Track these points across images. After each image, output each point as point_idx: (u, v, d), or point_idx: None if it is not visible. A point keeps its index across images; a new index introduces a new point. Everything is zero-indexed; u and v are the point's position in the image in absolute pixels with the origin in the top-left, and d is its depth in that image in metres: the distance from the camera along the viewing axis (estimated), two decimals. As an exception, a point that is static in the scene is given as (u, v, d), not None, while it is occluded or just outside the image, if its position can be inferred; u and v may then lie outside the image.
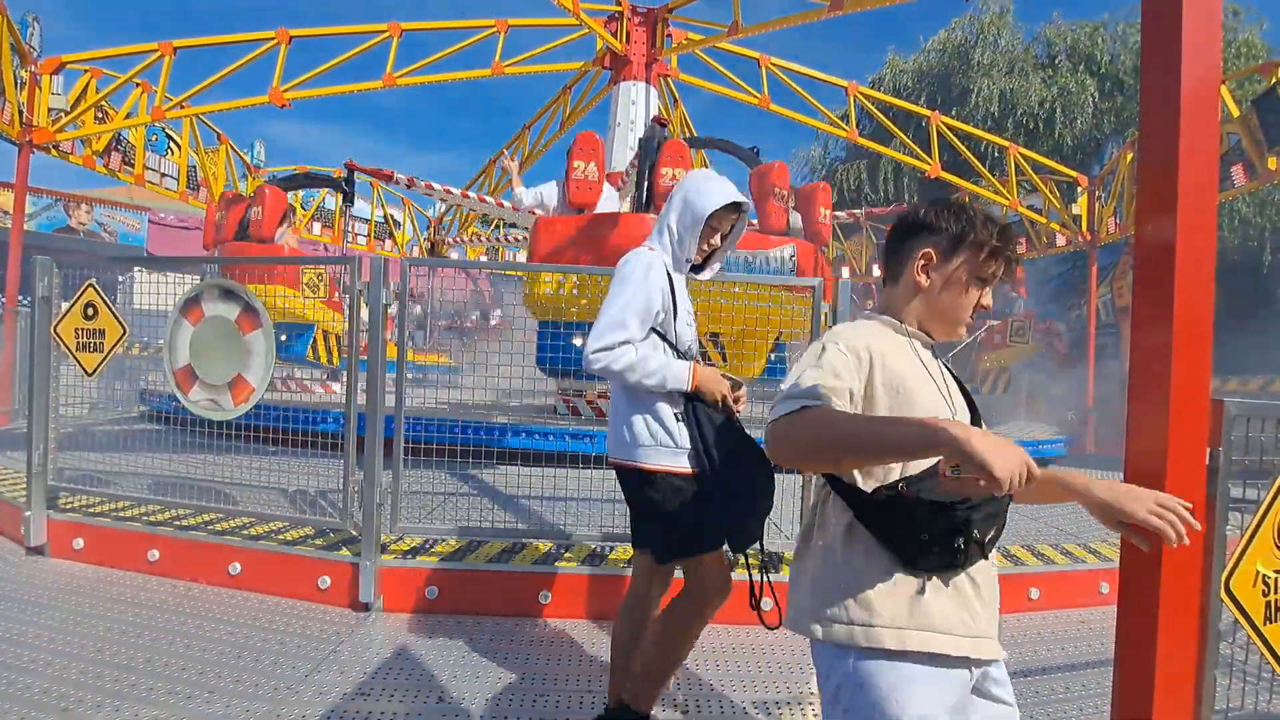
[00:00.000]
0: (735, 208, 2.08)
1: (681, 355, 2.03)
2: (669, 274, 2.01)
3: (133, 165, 9.76)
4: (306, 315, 7.72)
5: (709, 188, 2.04)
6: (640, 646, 2.06)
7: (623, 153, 10.54)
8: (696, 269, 2.19)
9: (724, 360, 6.58)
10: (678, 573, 2.13)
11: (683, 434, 1.95)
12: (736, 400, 1.99)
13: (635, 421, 1.98)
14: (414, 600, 3.10)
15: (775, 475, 1.97)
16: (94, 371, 3.67)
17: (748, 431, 2.04)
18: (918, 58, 21.63)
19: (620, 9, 10.08)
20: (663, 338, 2.01)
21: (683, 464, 1.94)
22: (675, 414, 1.95)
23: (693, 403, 1.96)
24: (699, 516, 1.94)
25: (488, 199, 9.84)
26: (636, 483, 2.00)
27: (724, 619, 3.10)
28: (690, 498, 1.94)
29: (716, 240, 2.11)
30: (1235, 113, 7.50)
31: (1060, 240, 11.02)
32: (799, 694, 2.52)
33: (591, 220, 5.93)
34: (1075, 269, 15.35)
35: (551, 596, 3.10)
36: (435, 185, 9.16)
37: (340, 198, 9.86)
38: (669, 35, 10.37)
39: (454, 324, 13.79)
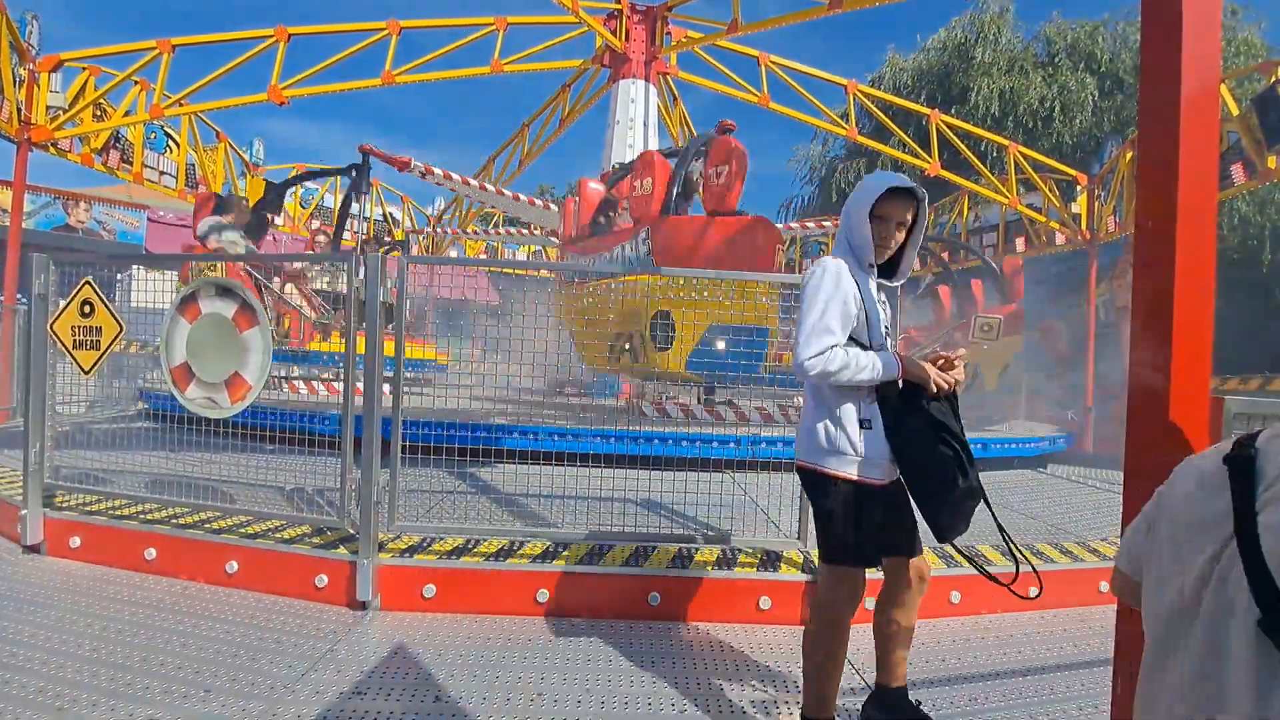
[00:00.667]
0: (899, 195, 2.02)
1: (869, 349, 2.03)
2: (856, 279, 2.01)
3: (131, 163, 9.75)
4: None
5: (870, 182, 2.03)
6: (832, 661, 2.07)
7: (621, 150, 10.53)
8: (887, 273, 2.15)
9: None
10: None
11: (863, 441, 1.96)
12: (953, 365, 2.00)
13: (818, 426, 2.01)
14: (411, 599, 3.09)
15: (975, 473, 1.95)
16: (90, 369, 3.66)
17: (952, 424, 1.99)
18: (918, 56, 21.63)
19: (620, 7, 10.07)
20: (855, 340, 2.02)
21: (856, 471, 1.96)
22: (861, 420, 1.97)
23: (889, 402, 1.97)
24: (857, 527, 1.96)
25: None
26: (810, 485, 2.06)
27: (723, 617, 3.11)
28: (856, 506, 1.96)
29: (893, 230, 2.05)
30: (1235, 111, 7.50)
31: (1059, 239, 11.01)
32: (798, 693, 2.51)
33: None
34: (1075, 268, 15.34)
35: (549, 595, 3.09)
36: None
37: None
38: (668, 33, 10.37)
39: None
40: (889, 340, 2.09)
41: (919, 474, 1.96)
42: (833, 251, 2.12)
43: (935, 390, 1.95)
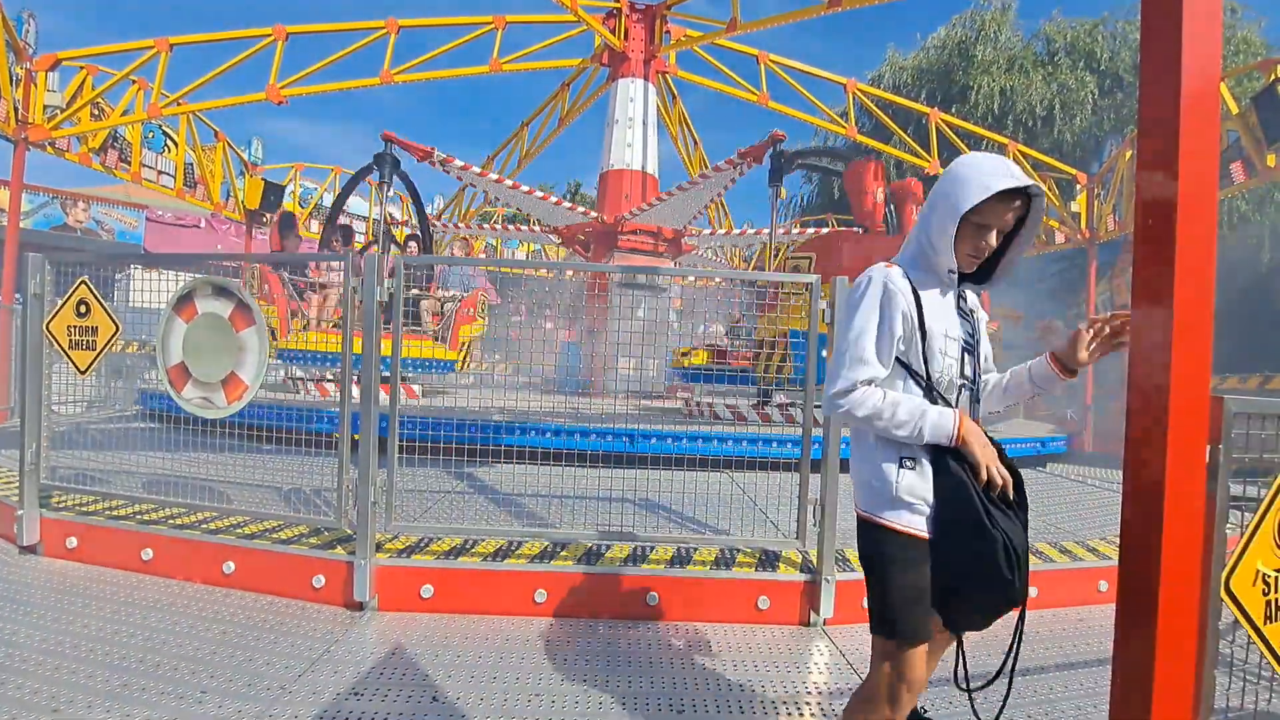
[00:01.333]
0: (1011, 197, 1.56)
1: (932, 388, 1.61)
2: (915, 290, 1.60)
3: (129, 163, 9.74)
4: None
5: (968, 174, 1.56)
6: None
7: (621, 149, 10.52)
8: (978, 278, 1.72)
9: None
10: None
11: (902, 483, 1.57)
12: (1004, 485, 1.55)
13: (860, 462, 1.67)
14: (409, 599, 3.08)
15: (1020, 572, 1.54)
16: (87, 369, 3.64)
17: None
18: (917, 55, 21.65)
19: (619, 6, 10.06)
20: (907, 368, 1.61)
21: (899, 519, 1.57)
22: (903, 458, 1.58)
23: (945, 455, 1.56)
24: (908, 588, 1.57)
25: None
26: (858, 532, 1.70)
27: (722, 617, 3.10)
28: (902, 562, 1.57)
29: (992, 240, 1.60)
30: (1234, 110, 7.50)
31: (1059, 238, 11.02)
32: (797, 693, 2.50)
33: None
34: (1074, 266, 15.36)
35: (547, 595, 3.09)
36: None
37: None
38: (667, 32, 10.37)
39: None
40: (968, 365, 1.66)
41: (945, 553, 1.56)
42: (901, 251, 1.72)
43: (987, 482, 1.54)
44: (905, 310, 1.58)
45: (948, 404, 1.62)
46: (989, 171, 1.55)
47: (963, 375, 1.65)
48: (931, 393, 1.61)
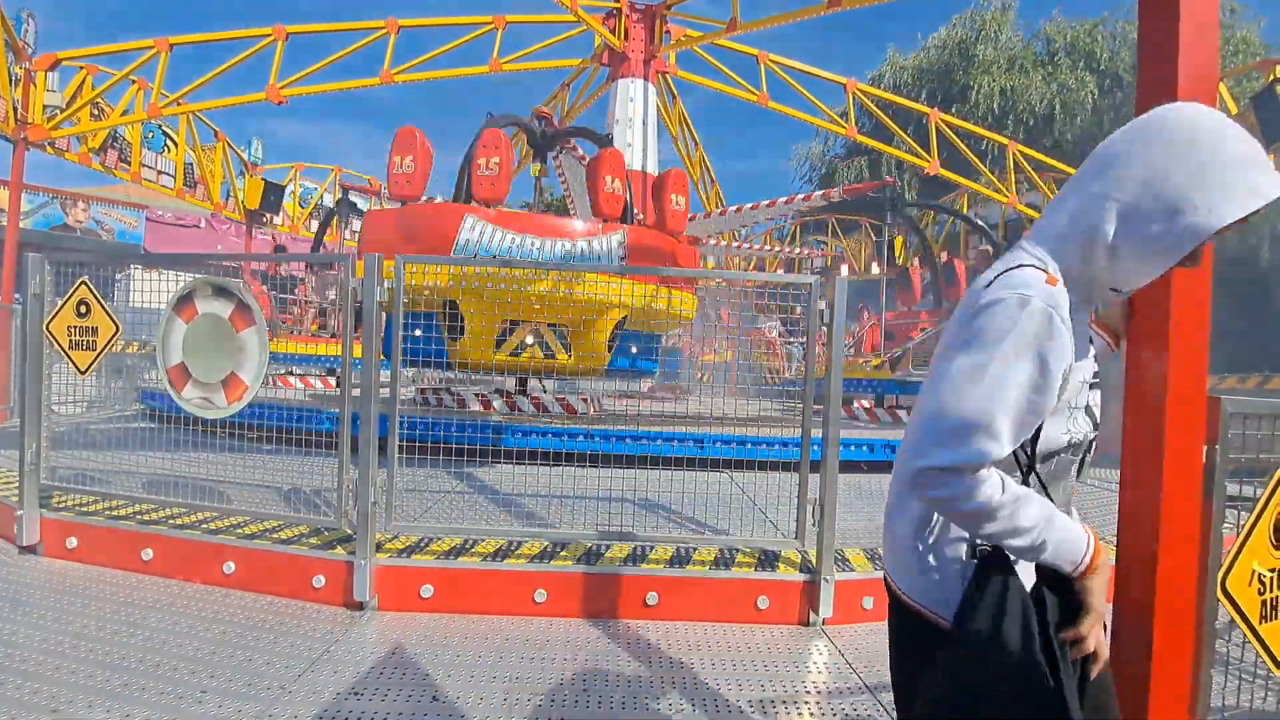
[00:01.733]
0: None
1: (1033, 469, 1.09)
2: (1076, 333, 1.02)
3: (129, 162, 9.75)
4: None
5: (1230, 166, 0.98)
6: None
7: (620, 149, 10.51)
8: None
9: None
10: None
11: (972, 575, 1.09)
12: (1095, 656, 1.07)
13: (908, 538, 1.16)
14: (409, 599, 3.09)
15: None
16: (87, 370, 3.65)
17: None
18: (918, 55, 21.67)
19: (619, 5, 10.05)
20: (1019, 456, 1.09)
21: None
22: (977, 546, 1.09)
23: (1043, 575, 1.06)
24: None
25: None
26: (900, 618, 1.20)
27: (721, 617, 3.10)
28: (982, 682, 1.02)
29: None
30: (1233, 110, 7.51)
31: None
32: (796, 693, 2.51)
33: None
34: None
35: (547, 595, 3.09)
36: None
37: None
38: (667, 32, 10.36)
39: None
40: (1096, 409, 1.14)
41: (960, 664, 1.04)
42: (1042, 240, 1.09)
43: (1078, 642, 1.05)
44: (1068, 364, 1.01)
45: (1042, 482, 1.11)
46: (1255, 160, 0.98)
47: (1094, 426, 1.13)
48: (1030, 472, 1.09)
